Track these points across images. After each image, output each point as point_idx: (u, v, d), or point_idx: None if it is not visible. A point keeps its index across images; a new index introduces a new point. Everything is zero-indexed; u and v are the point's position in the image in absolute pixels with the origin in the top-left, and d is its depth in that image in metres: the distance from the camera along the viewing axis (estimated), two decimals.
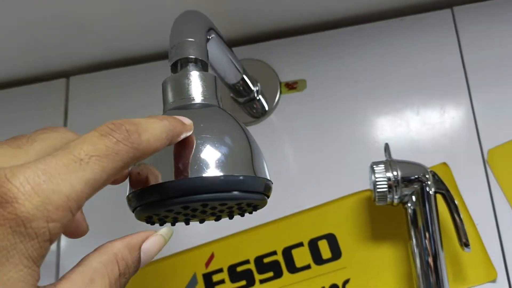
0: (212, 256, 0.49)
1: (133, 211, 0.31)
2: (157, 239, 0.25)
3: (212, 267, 0.49)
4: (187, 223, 0.33)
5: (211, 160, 0.28)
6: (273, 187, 0.32)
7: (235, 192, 0.29)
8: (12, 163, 0.22)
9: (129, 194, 0.30)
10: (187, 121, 0.27)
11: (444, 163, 0.47)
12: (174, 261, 0.50)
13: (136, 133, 0.23)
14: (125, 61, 0.60)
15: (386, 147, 0.46)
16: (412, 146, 0.49)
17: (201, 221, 0.33)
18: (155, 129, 0.24)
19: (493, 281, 0.44)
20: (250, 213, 0.33)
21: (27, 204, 0.19)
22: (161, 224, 0.32)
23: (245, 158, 0.30)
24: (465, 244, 0.41)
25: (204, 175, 0.28)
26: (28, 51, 0.58)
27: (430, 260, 0.41)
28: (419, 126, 0.50)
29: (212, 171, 0.28)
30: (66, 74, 0.61)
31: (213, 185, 0.28)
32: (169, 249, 0.50)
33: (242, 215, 0.33)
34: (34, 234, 0.19)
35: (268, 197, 0.32)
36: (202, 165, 0.28)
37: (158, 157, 0.28)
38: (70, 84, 0.60)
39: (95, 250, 0.23)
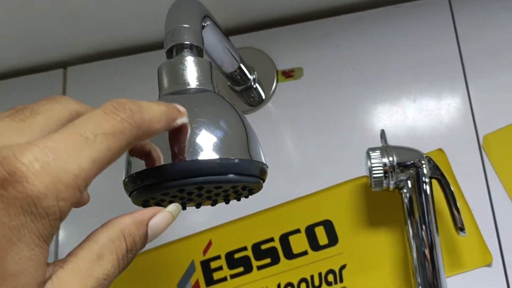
0: (209, 244, 0.50)
1: (129, 196, 0.31)
2: (165, 215, 0.25)
3: (210, 254, 0.49)
4: (183, 208, 0.33)
5: (206, 143, 0.29)
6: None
7: (231, 175, 0.29)
8: (16, 139, 0.21)
9: (125, 178, 0.30)
10: (181, 108, 0.27)
11: (440, 149, 0.48)
12: (172, 248, 0.50)
13: (139, 112, 0.23)
14: (124, 50, 0.60)
15: (382, 134, 0.46)
16: (408, 132, 0.49)
17: (198, 206, 0.34)
18: (155, 111, 0.24)
19: (489, 265, 0.44)
20: (246, 197, 0.33)
21: (37, 183, 0.19)
22: None
23: (241, 142, 0.30)
24: (460, 228, 0.41)
25: (199, 158, 0.28)
26: (25, 41, 0.58)
27: (426, 247, 0.41)
28: (416, 113, 0.50)
29: (208, 154, 0.28)
30: (63, 64, 0.61)
31: (208, 168, 0.28)
32: (167, 236, 0.51)
33: (238, 199, 0.34)
34: (45, 213, 0.19)
35: (263, 180, 0.32)
36: (197, 148, 0.28)
37: (154, 142, 0.29)
38: (68, 74, 0.60)
39: (103, 225, 0.23)
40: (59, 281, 0.20)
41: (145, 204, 0.32)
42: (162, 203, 0.32)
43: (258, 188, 0.32)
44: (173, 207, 0.26)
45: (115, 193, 0.45)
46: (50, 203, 0.19)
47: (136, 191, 0.30)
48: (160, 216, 0.25)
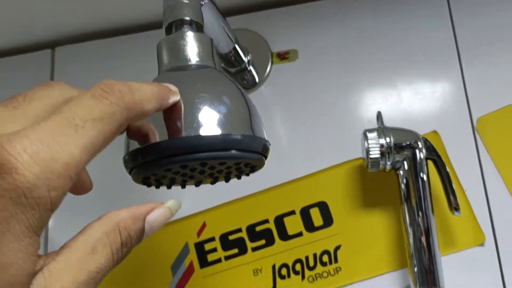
0: (204, 225, 0.49)
1: (129, 172, 0.30)
2: (163, 210, 0.25)
3: (204, 236, 0.49)
4: (183, 186, 0.33)
5: (209, 119, 0.28)
6: None
7: (233, 151, 0.29)
8: (9, 127, 0.21)
9: (125, 155, 0.30)
10: (173, 87, 0.27)
11: (435, 131, 0.48)
12: (166, 230, 0.50)
13: (129, 93, 0.22)
14: (113, 31, 0.59)
15: (379, 115, 0.46)
16: (403, 115, 0.50)
17: (197, 184, 0.33)
18: (145, 91, 0.24)
19: (481, 244, 0.45)
20: (247, 174, 0.33)
21: (27, 173, 0.18)
22: (157, 187, 0.32)
23: (243, 118, 0.30)
24: (455, 208, 0.42)
25: (202, 133, 0.28)
26: (11, 20, 0.56)
27: (422, 230, 0.41)
28: (411, 96, 0.50)
29: (211, 129, 0.28)
30: (51, 44, 0.60)
31: (211, 143, 0.28)
32: None
33: (239, 178, 0.33)
34: (35, 204, 0.19)
35: (266, 157, 0.32)
36: (200, 123, 0.28)
37: (149, 120, 0.28)
38: (56, 55, 0.59)
39: (99, 218, 0.23)
40: (50, 273, 0.20)
41: (145, 181, 0.31)
42: (162, 180, 0.31)
43: (260, 165, 0.32)
44: (172, 202, 0.26)
45: (108, 183, 0.44)
46: (40, 193, 0.19)
47: (137, 167, 0.29)
48: (158, 211, 0.25)
